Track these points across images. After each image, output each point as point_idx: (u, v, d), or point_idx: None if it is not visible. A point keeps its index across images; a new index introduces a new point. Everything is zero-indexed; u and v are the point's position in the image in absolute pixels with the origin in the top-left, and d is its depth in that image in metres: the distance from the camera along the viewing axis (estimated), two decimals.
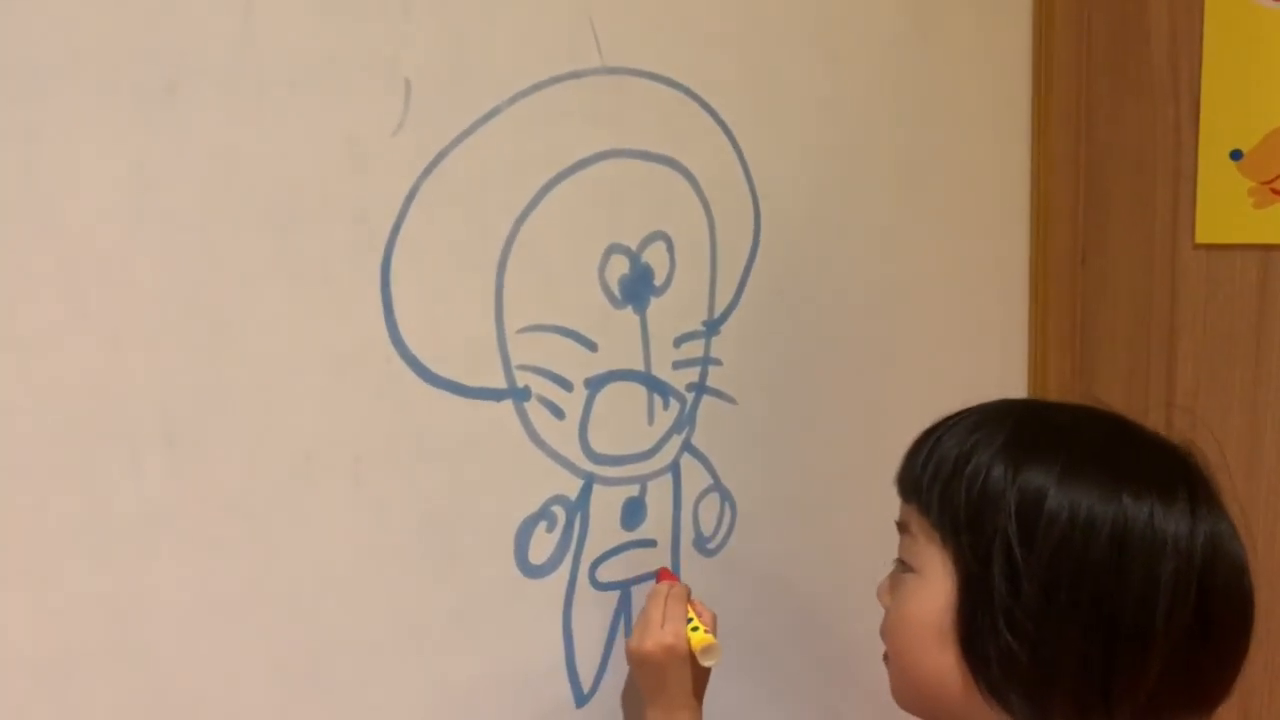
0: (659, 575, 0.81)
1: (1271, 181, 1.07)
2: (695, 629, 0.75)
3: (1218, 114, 1.10)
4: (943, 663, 0.60)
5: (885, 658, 0.66)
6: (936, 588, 0.60)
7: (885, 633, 0.65)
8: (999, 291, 1.15)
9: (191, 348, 0.58)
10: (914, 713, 0.65)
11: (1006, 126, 1.14)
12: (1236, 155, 1.09)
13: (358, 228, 0.63)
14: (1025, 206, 1.18)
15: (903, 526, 0.64)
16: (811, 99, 0.89)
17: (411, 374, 0.66)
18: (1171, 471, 0.58)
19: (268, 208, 0.60)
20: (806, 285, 0.91)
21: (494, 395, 0.71)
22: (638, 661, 0.76)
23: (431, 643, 0.69)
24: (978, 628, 0.58)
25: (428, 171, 0.65)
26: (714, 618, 0.78)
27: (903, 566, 0.64)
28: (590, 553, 0.78)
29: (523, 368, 0.72)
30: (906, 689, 0.64)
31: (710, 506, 0.86)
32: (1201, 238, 1.13)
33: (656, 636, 0.74)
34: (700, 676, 0.77)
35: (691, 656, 0.75)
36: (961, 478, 0.59)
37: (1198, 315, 1.15)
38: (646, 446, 0.81)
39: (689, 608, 0.77)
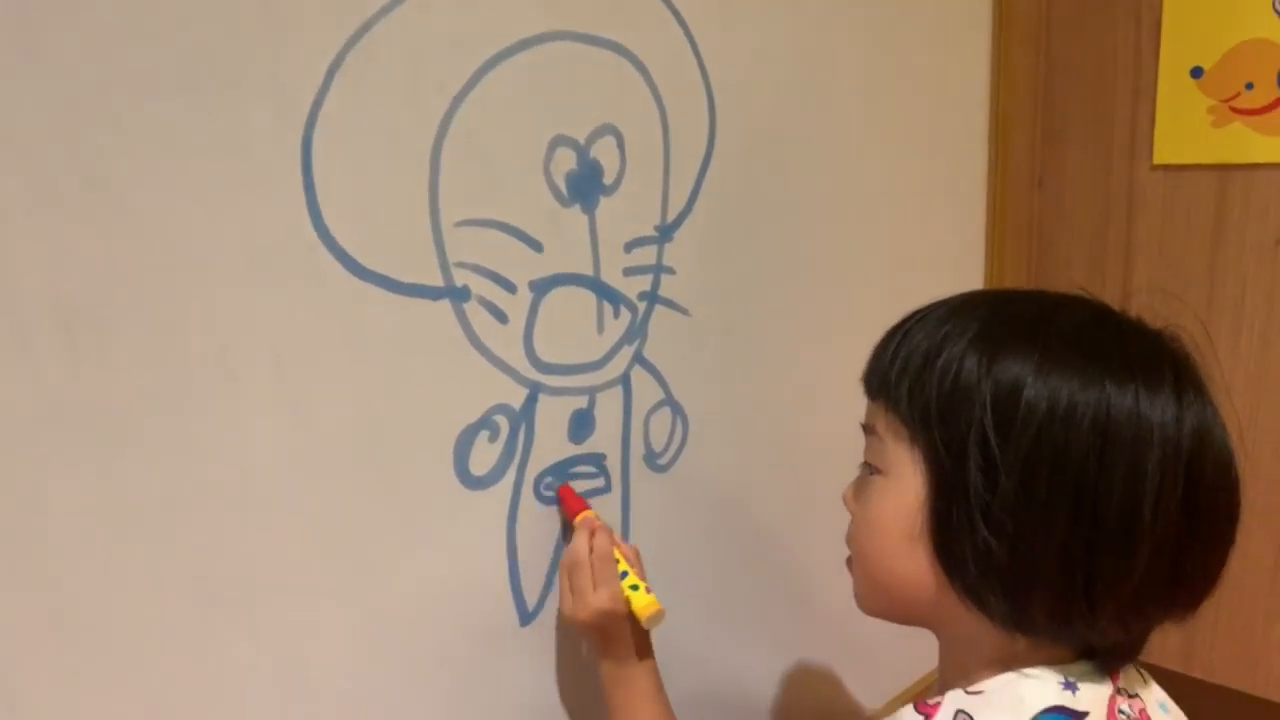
0: (560, 495, 0.74)
1: (1231, 100, 1.05)
2: (635, 588, 0.70)
3: (1179, 30, 1.08)
4: (913, 565, 0.57)
5: (849, 563, 0.63)
6: (905, 486, 0.57)
7: (851, 538, 0.62)
8: (957, 211, 1.13)
9: (86, 222, 0.52)
10: (881, 617, 0.62)
11: (967, 43, 1.11)
12: (1197, 73, 1.07)
13: (275, 99, 0.57)
14: (984, 127, 1.15)
15: (869, 428, 0.61)
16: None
17: (338, 266, 0.61)
18: (1156, 356, 0.55)
19: (173, 71, 0.53)
20: (763, 193, 0.87)
21: (430, 293, 0.66)
22: (578, 630, 0.72)
23: (362, 557, 0.65)
24: (952, 527, 0.55)
25: (353, 42, 0.59)
26: (636, 552, 0.74)
27: (869, 469, 0.61)
28: (535, 465, 0.74)
29: (461, 265, 0.67)
30: (874, 593, 0.62)
31: (662, 421, 0.82)
32: (1159, 158, 1.12)
33: (590, 603, 0.69)
34: (645, 631, 0.73)
35: (633, 616, 0.70)
36: (933, 371, 0.56)
37: (1154, 237, 1.13)
38: (596, 357, 0.77)
39: (617, 555, 0.72)
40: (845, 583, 0.63)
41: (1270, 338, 1.07)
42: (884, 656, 1.02)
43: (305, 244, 0.60)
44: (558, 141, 0.71)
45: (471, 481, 0.70)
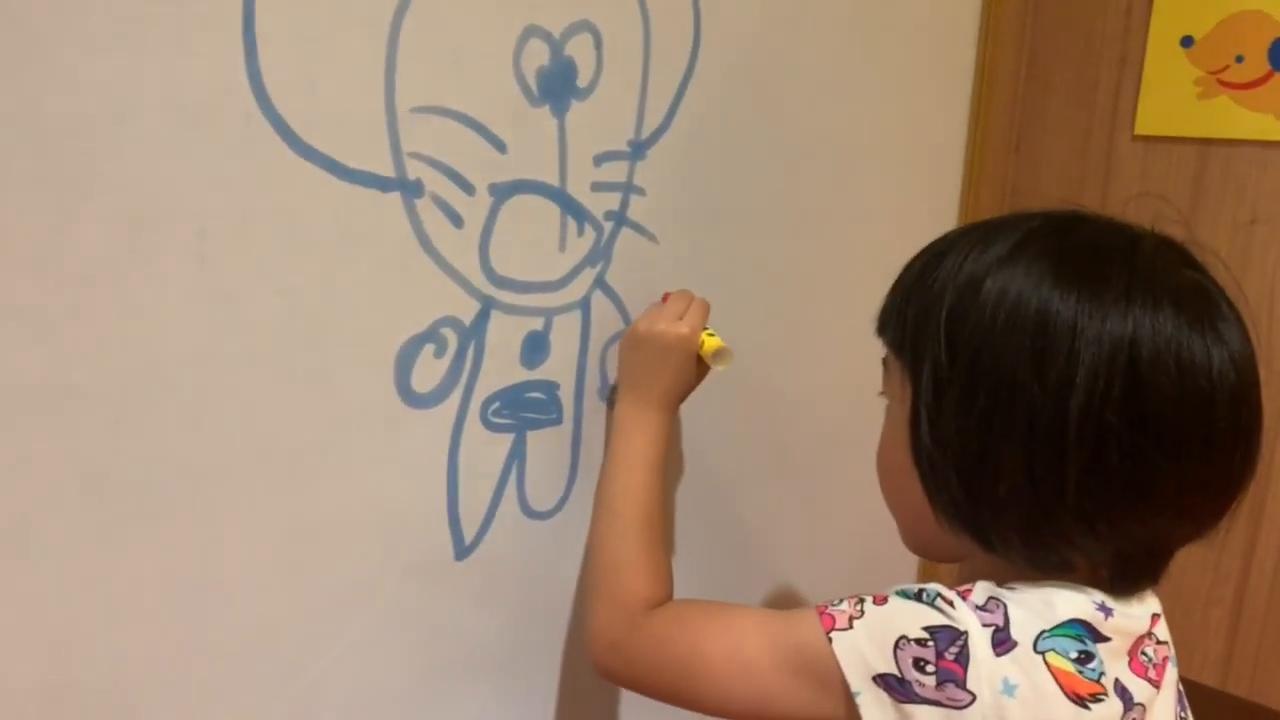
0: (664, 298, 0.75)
1: (1220, 72, 1.03)
2: (712, 335, 0.72)
3: None
4: (912, 494, 0.57)
5: None
6: (897, 412, 0.57)
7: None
8: (933, 167, 1.09)
9: None
10: (918, 554, 0.63)
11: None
12: (1187, 42, 1.04)
13: None
14: (968, 85, 1.11)
15: (884, 363, 0.61)
16: None
17: (276, 137, 0.54)
18: (1111, 257, 0.52)
19: None
20: (742, 121, 0.82)
21: (378, 183, 0.59)
22: (639, 341, 0.71)
23: (284, 471, 0.58)
24: (917, 446, 0.55)
25: None
26: (732, 355, 0.73)
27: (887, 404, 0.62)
28: (484, 387, 0.68)
29: (416, 156, 0.60)
30: (902, 529, 0.62)
31: None
32: (1141, 129, 1.09)
33: (671, 323, 0.70)
34: (689, 389, 0.73)
35: (698, 360, 0.71)
36: (917, 292, 0.57)
37: (1129, 209, 1.10)
38: (555, 276, 0.71)
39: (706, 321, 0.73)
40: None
41: (1237, 296, 1.06)
42: None
43: (241, 108, 0.52)
44: (531, 32, 0.64)
45: (413, 398, 0.63)
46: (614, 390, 0.75)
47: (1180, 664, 0.59)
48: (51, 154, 0.47)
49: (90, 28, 0.47)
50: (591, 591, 0.68)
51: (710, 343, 0.71)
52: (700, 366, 0.72)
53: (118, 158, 0.49)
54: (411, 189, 0.61)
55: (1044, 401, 0.51)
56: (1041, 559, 0.55)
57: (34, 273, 0.47)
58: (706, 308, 0.73)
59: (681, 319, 0.71)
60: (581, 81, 0.68)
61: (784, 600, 0.98)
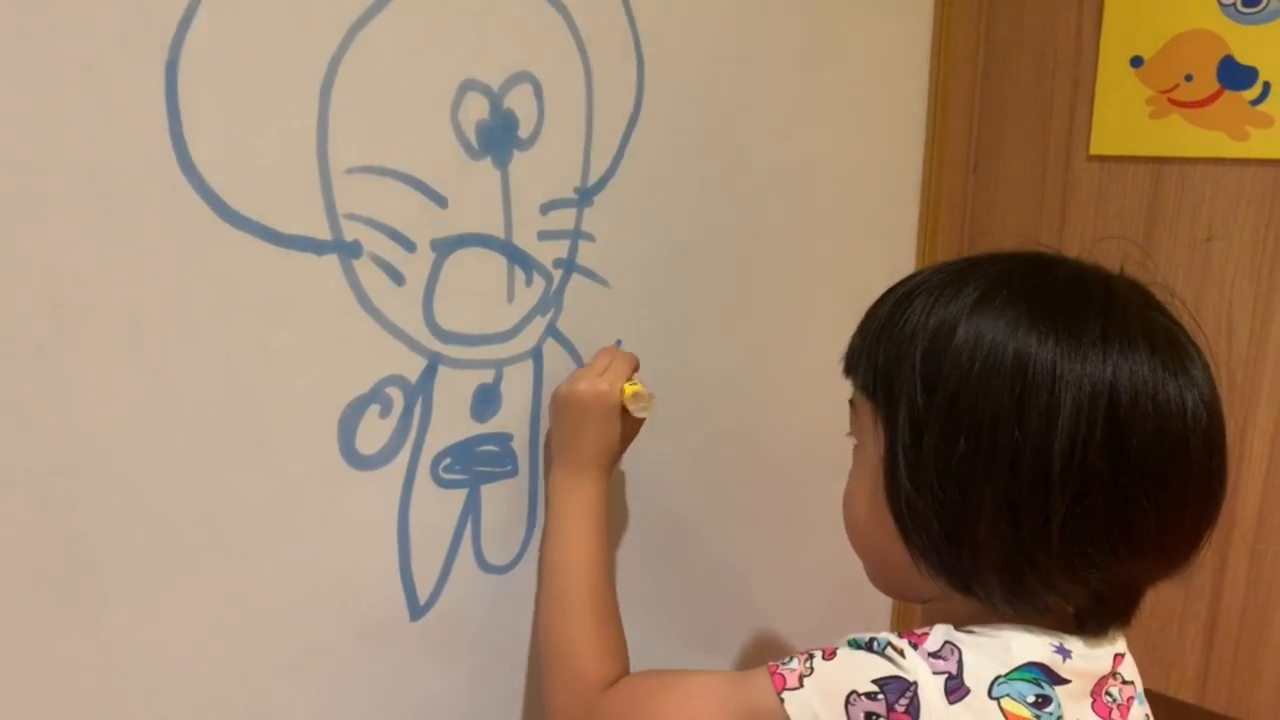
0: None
1: (1170, 91, 1.03)
2: (633, 384, 0.71)
3: (1121, 17, 1.05)
4: (882, 533, 0.57)
5: None
6: (869, 454, 0.57)
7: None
8: (891, 190, 1.09)
9: None
10: (886, 593, 0.63)
11: (907, 25, 1.07)
12: (1137, 62, 1.05)
13: (134, 10, 0.49)
14: (922, 109, 1.12)
15: (852, 403, 0.61)
16: None
17: (206, 208, 0.53)
18: (1085, 306, 0.53)
19: None
20: (691, 161, 0.81)
21: (314, 247, 0.58)
22: (561, 404, 0.70)
23: (231, 540, 0.57)
24: (896, 488, 0.55)
25: None
26: (653, 399, 0.72)
27: (853, 443, 0.61)
28: (433, 445, 0.67)
29: (352, 217, 0.60)
30: (866, 566, 0.62)
31: None
32: (1096, 149, 1.09)
33: (591, 381, 0.69)
34: (623, 442, 0.72)
35: (622, 415, 0.70)
36: (884, 337, 0.57)
37: (1087, 228, 1.11)
38: (504, 327, 0.70)
39: (633, 372, 0.72)
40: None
41: (1196, 333, 1.06)
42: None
43: (166, 181, 0.52)
44: (468, 86, 0.64)
45: (358, 461, 0.63)
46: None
47: (1158, 681, 0.59)
48: None
49: (3, 104, 0.46)
50: (545, 674, 0.67)
51: (629, 389, 0.70)
52: (629, 421, 0.71)
53: (37, 239, 0.48)
54: (349, 250, 0.60)
55: (1026, 445, 0.51)
56: (1020, 602, 0.55)
57: None
58: (631, 361, 0.73)
59: (602, 375, 0.70)
60: (523, 132, 0.68)
61: (761, 640, 0.97)
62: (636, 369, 0.73)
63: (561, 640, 0.66)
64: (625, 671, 0.65)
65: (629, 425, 0.71)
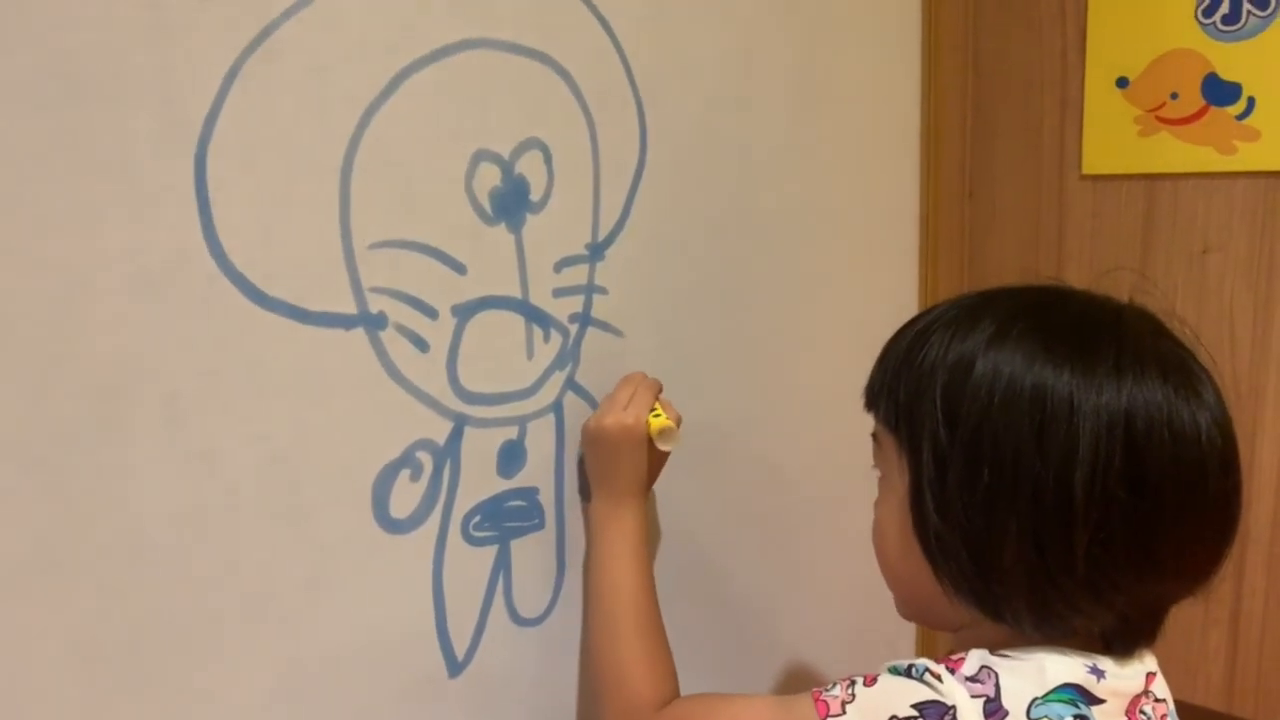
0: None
1: (1157, 109, 1.06)
2: (657, 415, 0.72)
3: (1104, 41, 1.08)
4: (912, 563, 0.58)
5: None
6: (895, 486, 0.59)
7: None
8: (890, 221, 1.11)
9: None
10: (915, 621, 0.66)
11: (897, 58, 1.09)
12: (1123, 83, 1.07)
13: (164, 112, 0.51)
14: (915, 140, 1.14)
15: (875, 437, 0.63)
16: (700, 6, 0.81)
17: (238, 294, 0.55)
18: (1099, 335, 0.54)
19: (44, 81, 0.47)
20: (696, 208, 0.84)
21: (342, 322, 0.60)
22: (592, 439, 0.72)
23: (273, 614, 0.59)
24: (921, 520, 0.56)
25: (253, 47, 0.54)
26: (680, 419, 0.73)
27: (879, 476, 0.63)
28: (463, 504, 0.68)
29: (377, 290, 0.62)
30: (896, 597, 0.64)
31: None
32: (1088, 168, 1.11)
33: (617, 415, 0.71)
34: (654, 469, 0.74)
35: (650, 443, 0.71)
36: (906, 370, 0.58)
37: (1084, 247, 1.13)
38: (525, 384, 0.72)
39: (656, 399, 0.73)
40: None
41: (1197, 347, 1.08)
42: None
43: (201, 271, 0.54)
44: (480, 156, 0.66)
45: (392, 525, 0.64)
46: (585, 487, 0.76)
47: (1185, 689, 0.60)
48: (13, 336, 0.48)
49: (43, 208, 0.48)
50: (597, 701, 0.68)
51: (654, 424, 0.72)
52: (656, 449, 0.73)
53: (81, 334, 0.50)
54: (375, 322, 0.62)
55: (1048, 475, 0.52)
56: (1048, 626, 0.56)
57: (5, 457, 0.48)
58: (654, 389, 0.74)
59: (627, 408, 0.71)
60: (535, 195, 0.70)
61: (788, 673, 0.98)
62: (659, 394, 0.74)
63: (612, 664, 0.67)
64: (676, 692, 0.67)
65: (658, 453, 0.73)
